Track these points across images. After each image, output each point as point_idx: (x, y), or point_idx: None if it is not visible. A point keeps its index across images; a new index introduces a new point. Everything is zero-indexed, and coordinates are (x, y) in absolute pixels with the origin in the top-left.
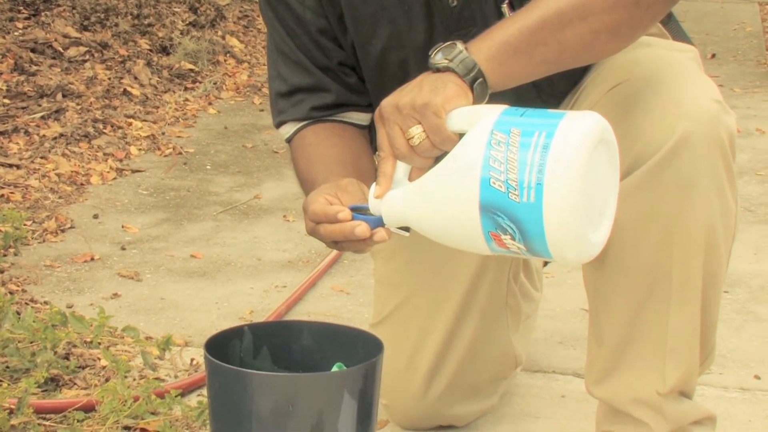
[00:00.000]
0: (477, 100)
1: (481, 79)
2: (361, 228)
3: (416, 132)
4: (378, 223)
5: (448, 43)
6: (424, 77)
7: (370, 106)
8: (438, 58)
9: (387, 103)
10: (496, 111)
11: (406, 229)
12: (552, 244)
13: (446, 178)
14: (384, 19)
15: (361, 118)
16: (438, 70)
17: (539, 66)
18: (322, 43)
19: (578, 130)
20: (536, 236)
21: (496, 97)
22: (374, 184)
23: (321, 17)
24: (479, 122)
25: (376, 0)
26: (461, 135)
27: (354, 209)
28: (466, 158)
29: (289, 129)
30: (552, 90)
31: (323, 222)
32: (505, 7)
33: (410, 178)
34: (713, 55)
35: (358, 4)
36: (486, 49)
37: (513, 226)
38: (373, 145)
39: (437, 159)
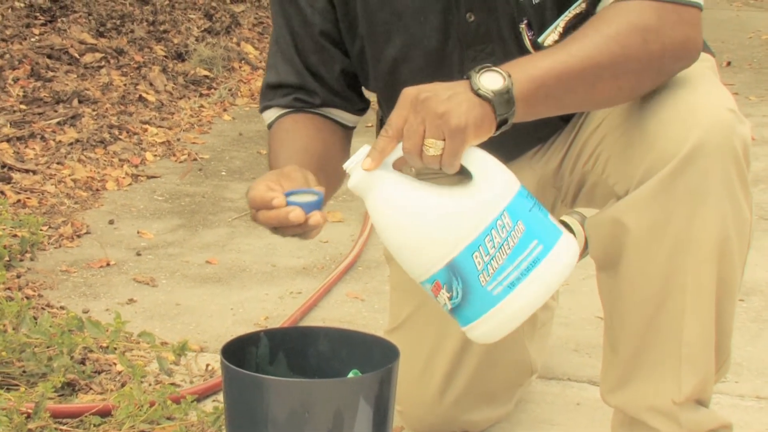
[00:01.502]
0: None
1: (510, 121)
2: (295, 213)
3: (436, 145)
4: (313, 206)
5: (496, 69)
6: (465, 93)
7: (359, 111)
8: (483, 84)
9: (426, 98)
10: (512, 187)
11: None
12: (476, 326)
13: (438, 216)
14: (399, 28)
15: (345, 117)
16: (479, 95)
17: (560, 109)
18: (324, 46)
19: (563, 264)
20: (469, 314)
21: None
22: (365, 146)
23: (328, 22)
24: (495, 189)
25: (392, 9)
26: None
27: (292, 193)
28: (467, 218)
29: (272, 114)
30: None
31: (261, 209)
32: (523, 27)
33: (394, 164)
34: (728, 63)
35: (374, 11)
36: (525, 89)
37: (461, 293)
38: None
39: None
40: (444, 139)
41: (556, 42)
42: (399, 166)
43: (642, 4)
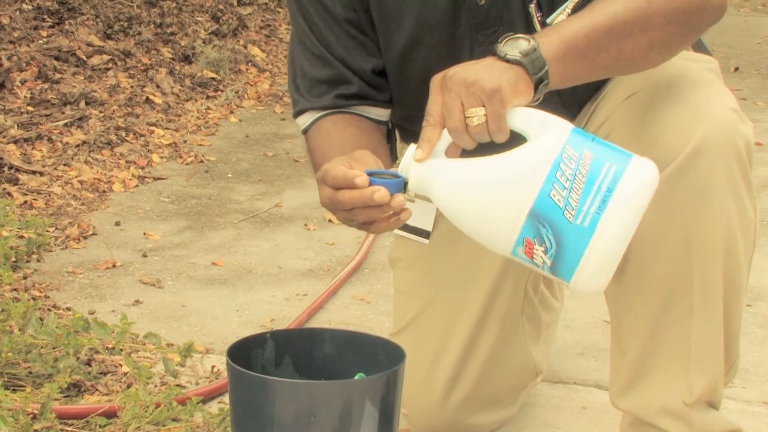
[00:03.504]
0: (534, 99)
1: (546, 81)
2: (380, 193)
3: (478, 113)
4: (397, 187)
5: (520, 36)
6: (493, 62)
7: (389, 102)
8: (510, 48)
9: (455, 73)
10: (567, 126)
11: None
12: (581, 271)
13: (505, 172)
14: (409, 14)
15: (379, 113)
16: (508, 61)
17: (597, 71)
18: (350, 33)
19: (645, 178)
20: (572, 258)
21: None
22: (412, 145)
23: (350, 10)
24: (551, 131)
25: None
26: (513, 132)
27: (372, 174)
28: (533, 161)
29: (307, 119)
30: (573, 97)
31: (343, 188)
32: (532, 8)
33: (446, 153)
34: (736, 69)
35: (385, 0)
36: (555, 48)
37: (553, 240)
38: (393, 144)
39: (479, 144)
40: (484, 105)
41: None
42: (452, 154)
43: None
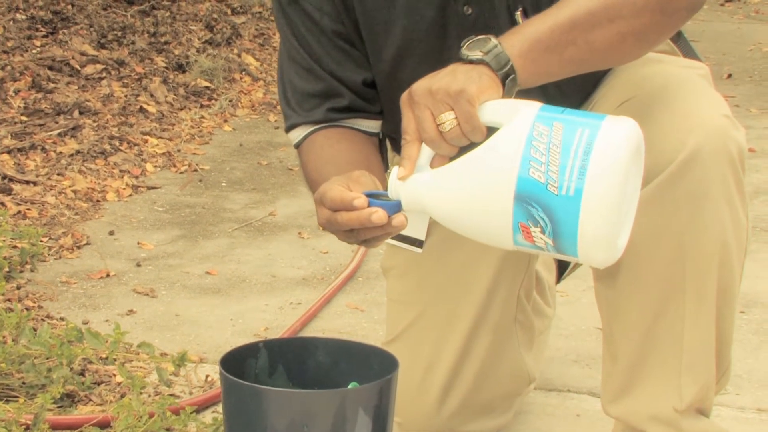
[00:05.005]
0: (505, 96)
1: (513, 75)
2: (377, 215)
3: (448, 118)
4: (396, 208)
5: (481, 36)
6: (456, 66)
7: (380, 114)
8: (471, 50)
9: (419, 86)
10: (534, 106)
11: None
12: (582, 241)
13: (482, 165)
14: (397, 26)
15: (371, 125)
16: (471, 62)
17: (568, 65)
18: (338, 46)
19: (621, 133)
20: (568, 231)
21: None
22: (395, 167)
23: (338, 22)
24: (519, 114)
25: (389, 8)
26: (491, 128)
27: (369, 195)
28: (505, 146)
29: (299, 133)
30: (564, 102)
31: (341, 209)
32: (518, 15)
33: (432, 165)
34: (729, 75)
35: (372, 12)
36: (518, 45)
37: (546, 218)
38: (383, 155)
39: (461, 149)
40: (453, 109)
41: None
42: (438, 165)
43: None
